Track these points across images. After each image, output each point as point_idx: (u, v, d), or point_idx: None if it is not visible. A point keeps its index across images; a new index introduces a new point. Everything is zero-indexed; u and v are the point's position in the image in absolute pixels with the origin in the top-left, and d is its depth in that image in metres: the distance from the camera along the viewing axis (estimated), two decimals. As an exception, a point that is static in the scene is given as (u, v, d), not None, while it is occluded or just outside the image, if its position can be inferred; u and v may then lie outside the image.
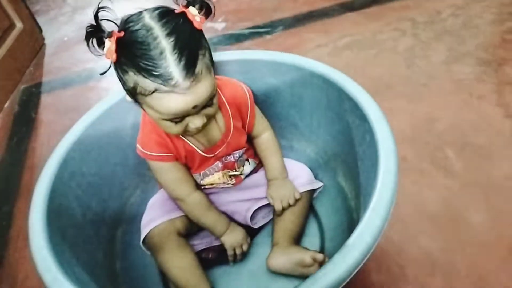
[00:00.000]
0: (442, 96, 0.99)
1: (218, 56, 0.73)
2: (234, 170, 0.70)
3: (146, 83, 0.48)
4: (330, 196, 0.72)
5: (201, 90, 0.50)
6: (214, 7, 0.53)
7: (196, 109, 0.52)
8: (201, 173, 0.67)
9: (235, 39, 1.39)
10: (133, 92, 0.51)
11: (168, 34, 0.47)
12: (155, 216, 0.68)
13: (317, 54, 1.21)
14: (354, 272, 0.44)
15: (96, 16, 0.49)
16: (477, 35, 1.17)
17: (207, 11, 0.52)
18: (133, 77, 0.49)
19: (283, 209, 0.68)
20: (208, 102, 0.53)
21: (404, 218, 0.74)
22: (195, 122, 0.53)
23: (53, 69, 1.48)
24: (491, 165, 0.80)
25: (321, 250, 0.68)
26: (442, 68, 1.08)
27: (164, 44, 0.47)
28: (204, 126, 0.56)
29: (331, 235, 0.69)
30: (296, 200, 0.68)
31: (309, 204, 0.71)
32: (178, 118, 0.52)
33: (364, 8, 1.39)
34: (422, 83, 1.03)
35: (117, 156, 0.74)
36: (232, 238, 0.68)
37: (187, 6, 0.51)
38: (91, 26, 0.49)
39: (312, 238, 0.70)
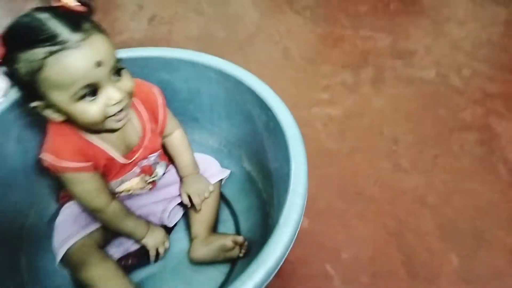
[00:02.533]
0: None
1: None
2: (152, 176, 0.69)
3: (36, 54, 0.46)
4: (237, 181, 0.77)
5: (97, 42, 0.48)
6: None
7: (105, 68, 0.49)
8: (119, 179, 0.65)
9: None
10: (30, 80, 0.48)
11: (45, 12, 0.48)
12: (71, 233, 0.64)
13: None
14: (288, 250, 0.49)
15: None
16: None
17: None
18: (22, 59, 0.47)
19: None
20: (115, 65, 0.51)
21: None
22: (112, 93, 0.50)
23: None
24: (227, 6, 1.25)
25: (237, 232, 0.73)
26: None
27: (43, 16, 0.47)
28: (118, 119, 0.54)
29: (244, 217, 0.75)
30: (210, 192, 0.73)
31: (219, 192, 0.76)
32: (88, 89, 0.49)
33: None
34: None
35: (4, 178, 0.65)
36: (154, 239, 0.68)
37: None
38: None
39: (226, 224, 0.74)
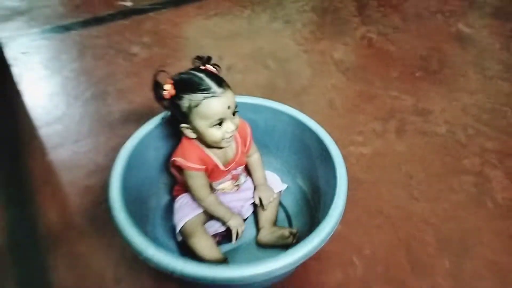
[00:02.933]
0: (268, 38, 1.82)
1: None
2: (238, 181, 1.02)
3: (197, 97, 0.81)
4: (292, 193, 1.08)
5: (229, 95, 0.83)
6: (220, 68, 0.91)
7: (230, 110, 0.83)
8: (218, 181, 0.98)
9: (140, 12, 1.97)
10: (188, 111, 0.83)
11: (201, 72, 0.84)
12: (186, 213, 0.96)
13: (194, 20, 1.92)
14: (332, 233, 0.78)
15: (154, 77, 0.85)
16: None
17: (216, 67, 0.89)
18: (187, 98, 0.82)
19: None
20: (235, 109, 0.85)
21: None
22: (230, 126, 0.85)
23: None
24: (288, 63, 1.64)
25: (290, 227, 1.04)
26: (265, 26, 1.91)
27: (201, 75, 0.83)
28: (228, 141, 0.88)
29: (295, 218, 1.05)
30: (274, 198, 1.05)
31: (279, 199, 1.06)
32: (219, 121, 0.83)
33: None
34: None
35: (144, 174, 0.99)
36: (236, 222, 0.97)
37: (204, 65, 0.87)
38: (155, 82, 0.85)
39: (282, 221, 1.05)
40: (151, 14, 1.94)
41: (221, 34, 1.79)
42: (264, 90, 1.48)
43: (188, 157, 0.90)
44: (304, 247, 0.75)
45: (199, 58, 0.88)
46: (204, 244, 0.93)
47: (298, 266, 0.80)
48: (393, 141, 1.30)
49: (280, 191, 1.07)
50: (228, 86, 0.85)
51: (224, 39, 1.76)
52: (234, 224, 0.97)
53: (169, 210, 1.03)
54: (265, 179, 1.04)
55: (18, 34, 1.84)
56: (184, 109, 0.83)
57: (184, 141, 0.91)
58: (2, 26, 1.90)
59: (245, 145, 0.98)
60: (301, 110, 1.03)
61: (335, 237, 0.99)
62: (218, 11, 1.95)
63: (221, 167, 0.94)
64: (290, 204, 1.09)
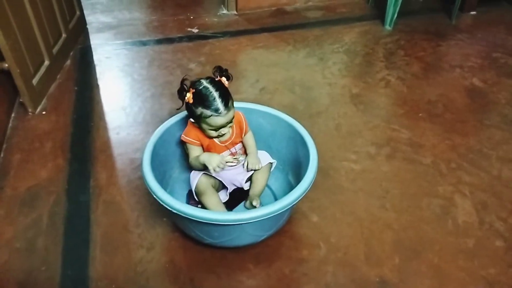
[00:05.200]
0: (301, 70, 2.13)
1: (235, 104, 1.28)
2: (237, 156, 1.31)
3: (207, 112, 1.12)
4: (283, 185, 1.36)
5: (230, 115, 1.14)
6: (232, 76, 1.21)
7: (227, 124, 1.15)
8: (220, 154, 1.27)
9: (203, 38, 2.40)
10: (198, 117, 1.15)
11: (216, 90, 1.12)
12: (195, 176, 1.26)
13: (244, 49, 2.29)
14: (308, 189, 1.09)
15: (182, 83, 1.16)
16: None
17: (228, 79, 1.19)
18: (200, 109, 1.13)
19: (255, 170, 1.28)
20: (231, 120, 1.17)
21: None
22: (225, 130, 1.17)
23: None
24: (311, 91, 1.94)
25: None
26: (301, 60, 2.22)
27: (215, 95, 1.12)
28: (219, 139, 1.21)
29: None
30: (261, 166, 1.28)
31: (268, 172, 1.32)
32: (218, 128, 1.15)
33: (272, 31, 2.45)
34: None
35: (171, 151, 1.35)
36: (209, 160, 1.16)
37: (221, 77, 1.18)
38: (181, 87, 1.16)
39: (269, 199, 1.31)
40: (211, 40, 2.35)
41: (263, 62, 2.14)
42: (285, 109, 1.75)
43: (189, 135, 1.23)
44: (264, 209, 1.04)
45: (218, 68, 1.20)
46: (212, 200, 1.23)
47: (273, 239, 1.16)
48: (382, 163, 1.53)
49: (271, 164, 1.33)
50: (232, 106, 1.15)
51: (264, 67, 2.10)
52: (213, 165, 1.15)
53: (186, 181, 1.35)
54: (256, 150, 1.32)
55: (106, 43, 2.34)
56: (196, 114, 1.15)
57: (189, 124, 1.24)
58: (95, 35, 2.40)
59: (240, 128, 1.28)
60: (311, 128, 1.30)
61: (310, 225, 1.28)
62: (265, 44, 2.32)
63: (218, 142, 1.25)
64: (281, 193, 1.37)
